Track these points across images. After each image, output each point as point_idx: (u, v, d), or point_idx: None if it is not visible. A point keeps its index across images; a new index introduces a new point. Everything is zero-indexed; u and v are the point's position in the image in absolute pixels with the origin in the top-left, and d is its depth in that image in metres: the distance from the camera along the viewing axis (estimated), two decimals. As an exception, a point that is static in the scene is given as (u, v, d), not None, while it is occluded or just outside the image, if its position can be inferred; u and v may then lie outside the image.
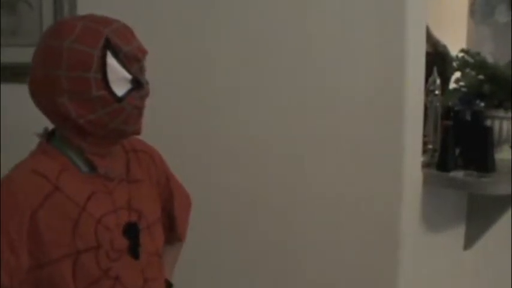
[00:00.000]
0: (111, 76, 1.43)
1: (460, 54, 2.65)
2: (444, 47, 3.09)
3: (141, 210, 1.57)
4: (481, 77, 2.57)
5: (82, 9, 2.31)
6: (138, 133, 1.53)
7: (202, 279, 2.46)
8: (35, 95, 1.48)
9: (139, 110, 1.49)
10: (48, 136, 1.53)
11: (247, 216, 2.45)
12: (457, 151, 2.35)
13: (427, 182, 2.29)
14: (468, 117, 2.43)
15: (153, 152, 1.71)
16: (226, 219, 2.45)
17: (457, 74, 2.71)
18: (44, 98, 1.46)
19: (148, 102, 1.51)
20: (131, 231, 1.53)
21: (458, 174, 2.28)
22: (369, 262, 2.31)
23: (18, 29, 2.49)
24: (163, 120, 2.38)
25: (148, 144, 1.71)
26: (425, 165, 2.35)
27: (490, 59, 2.62)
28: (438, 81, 2.47)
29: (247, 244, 2.46)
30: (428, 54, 2.33)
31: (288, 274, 2.42)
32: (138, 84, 1.47)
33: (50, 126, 1.53)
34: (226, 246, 2.46)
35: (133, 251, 1.52)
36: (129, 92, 1.45)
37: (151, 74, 1.55)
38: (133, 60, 1.46)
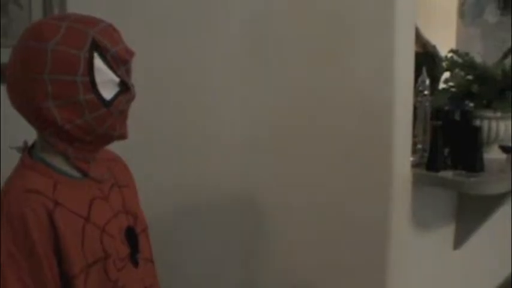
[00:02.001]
0: (98, 79, 1.36)
1: (449, 55, 2.66)
2: (433, 47, 3.10)
3: (135, 213, 1.54)
4: (470, 77, 2.58)
5: (72, 10, 2.30)
6: (125, 137, 1.45)
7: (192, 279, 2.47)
8: (16, 100, 1.39)
9: (124, 114, 1.43)
10: (29, 149, 1.45)
11: (237, 213, 2.45)
12: (446, 151, 2.36)
13: (416, 181, 2.30)
14: (457, 117, 2.44)
15: (124, 162, 1.64)
16: (217, 216, 2.46)
17: (446, 74, 2.72)
18: (26, 104, 1.37)
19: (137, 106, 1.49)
20: (131, 236, 1.49)
21: (448, 174, 2.29)
22: (358, 261, 2.32)
23: (8, 30, 2.48)
24: (156, 123, 2.38)
25: (116, 154, 1.64)
26: (415, 165, 2.35)
27: (479, 59, 2.64)
28: (427, 81, 2.48)
29: (236, 240, 2.46)
30: (417, 55, 2.33)
31: (277, 273, 2.43)
32: (125, 87, 1.40)
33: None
34: (218, 240, 2.46)
35: (133, 257, 1.49)
36: (117, 95, 1.39)
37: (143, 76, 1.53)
38: (120, 62, 1.39)
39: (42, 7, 2.45)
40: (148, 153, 2.37)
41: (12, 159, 1.43)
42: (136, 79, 1.45)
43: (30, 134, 1.43)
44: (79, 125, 1.37)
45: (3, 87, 1.41)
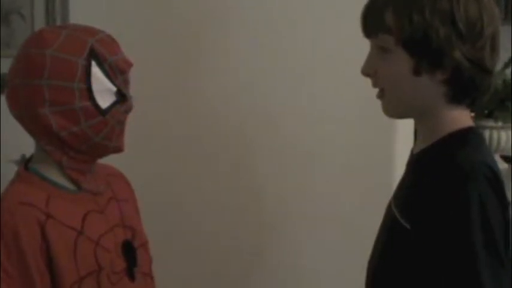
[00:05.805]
0: (95, 87, 1.37)
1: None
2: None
3: (133, 227, 1.54)
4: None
5: (74, 21, 2.30)
6: (121, 150, 1.46)
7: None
8: (14, 106, 1.41)
9: (121, 125, 1.44)
10: (26, 162, 1.46)
11: (236, 225, 2.44)
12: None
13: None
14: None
15: (125, 177, 1.65)
16: (217, 226, 2.44)
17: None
18: (24, 110, 1.39)
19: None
20: (128, 250, 1.49)
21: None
22: (359, 274, 2.30)
23: (11, 40, 2.49)
24: (155, 132, 2.39)
25: (119, 170, 1.64)
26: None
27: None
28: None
29: (236, 252, 2.45)
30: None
31: (279, 284, 2.42)
32: (122, 98, 1.42)
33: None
34: (217, 252, 2.45)
35: (130, 272, 1.48)
36: (114, 104, 1.40)
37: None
38: (118, 72, 1.41)
39: (45, 17, 2.46)
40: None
41: (11, 171, 1.44)
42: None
43: (27, 145, 1.43)
44: (75, 133, 1.38)
45: (3, 97, 1.42)
